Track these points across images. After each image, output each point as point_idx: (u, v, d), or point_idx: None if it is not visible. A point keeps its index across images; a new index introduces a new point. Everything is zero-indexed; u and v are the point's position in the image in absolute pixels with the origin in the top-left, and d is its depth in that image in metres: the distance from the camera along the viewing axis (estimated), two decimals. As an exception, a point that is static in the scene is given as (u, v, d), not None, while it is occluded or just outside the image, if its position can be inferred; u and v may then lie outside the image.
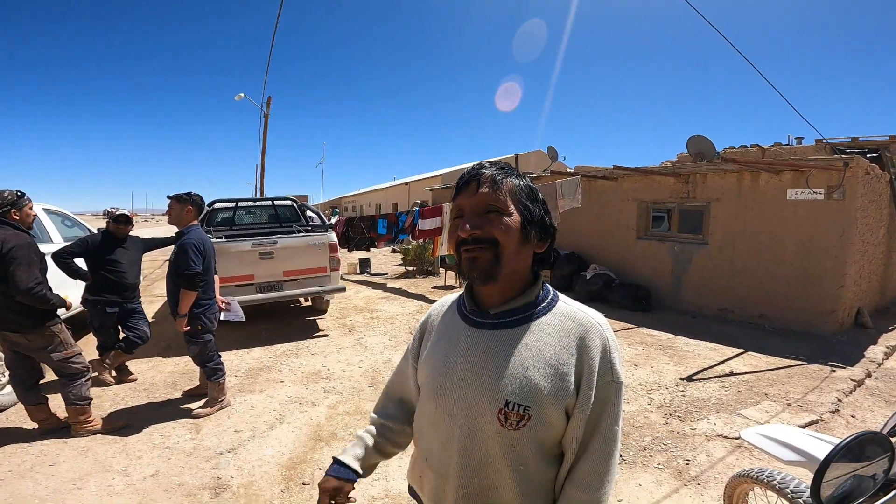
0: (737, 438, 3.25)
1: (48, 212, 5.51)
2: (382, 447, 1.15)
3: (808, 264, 5.94)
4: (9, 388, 3.75)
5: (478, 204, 0.92)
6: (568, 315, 0.93)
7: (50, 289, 3.12)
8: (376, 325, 6.48)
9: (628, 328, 6.23)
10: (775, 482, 1.75)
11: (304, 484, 2.80)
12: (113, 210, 4.39)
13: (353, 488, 1.07)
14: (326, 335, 5.99)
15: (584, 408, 0.86)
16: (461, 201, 0.95)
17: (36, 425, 3.33)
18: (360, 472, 1.09)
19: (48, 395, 3.38)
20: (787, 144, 7.90)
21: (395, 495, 2.70)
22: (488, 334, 0.94)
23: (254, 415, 3.70)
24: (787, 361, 4.88)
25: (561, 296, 1.00)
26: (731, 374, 4.54)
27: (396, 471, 2.93)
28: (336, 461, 1.09)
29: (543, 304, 0.95)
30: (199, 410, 3.67)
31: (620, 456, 3.06)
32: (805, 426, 3.43)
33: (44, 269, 3.17)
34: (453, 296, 1.11)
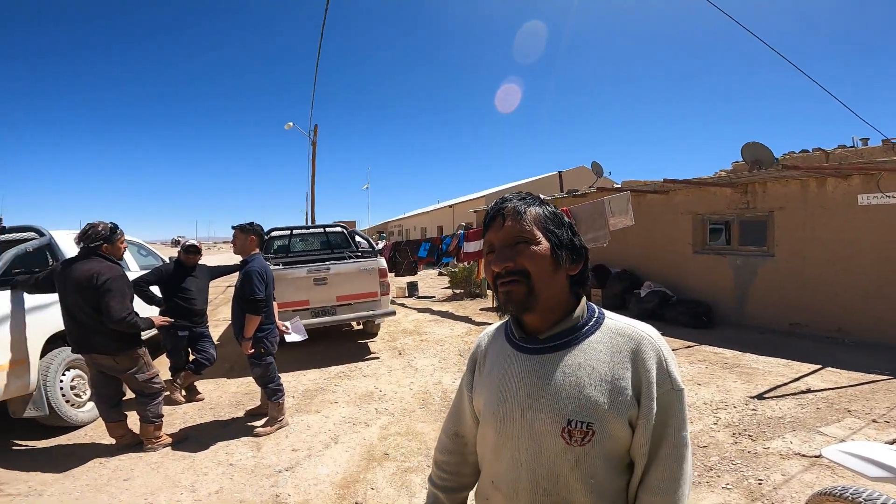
0: (817, 457, 3.00)
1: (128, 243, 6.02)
2: (450, 487, 1.19)
3: (888, 272, 5.46)
4: (89, 406, 4.08)
5: (505, 237, 0.95)
6: (617, 331, 0.95)
7: (138, 315, 3.39)
8: (426, 347, 6.51)
9: (689, 346, 5.93)
10: (861, 499, 1.63)
11: (356, 503, 2.83)
12: (180, 239, 4.76)
13: None
14: (378, 357, 6.09)
15: (648, 418, 0.87)
16: (490, 237, 0.98)
17: (114, 441, 3.58)
18: None
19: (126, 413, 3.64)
20: (852, 146, 7.39)
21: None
22: (540, 359, 0.96)
23: (310, 434, 3.80)
24: (870, 376, 4.47)
25: (607, 313, 1.01)
26: (808, 390, 4.21)
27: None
28: None
29: (590, 324, 0.97)
30: (260, 429, 3.81)
31: (685, 477, 2.91)
32: (892, 442, 3.11)
33: (132, 297, 3.45)
34: (498, 324, 1.14)
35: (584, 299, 1.01)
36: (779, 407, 3.88)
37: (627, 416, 0.88)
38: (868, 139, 7.69)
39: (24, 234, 4.40)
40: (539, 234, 0.95)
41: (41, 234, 4.31)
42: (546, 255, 0.94)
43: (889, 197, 5.39)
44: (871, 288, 5.61)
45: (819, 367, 4.84)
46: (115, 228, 3.45)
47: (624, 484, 0.93)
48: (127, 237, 6.06)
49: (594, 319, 0.98)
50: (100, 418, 4.08)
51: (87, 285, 3.18)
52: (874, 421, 3.51)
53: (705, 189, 7.46)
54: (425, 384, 4.93)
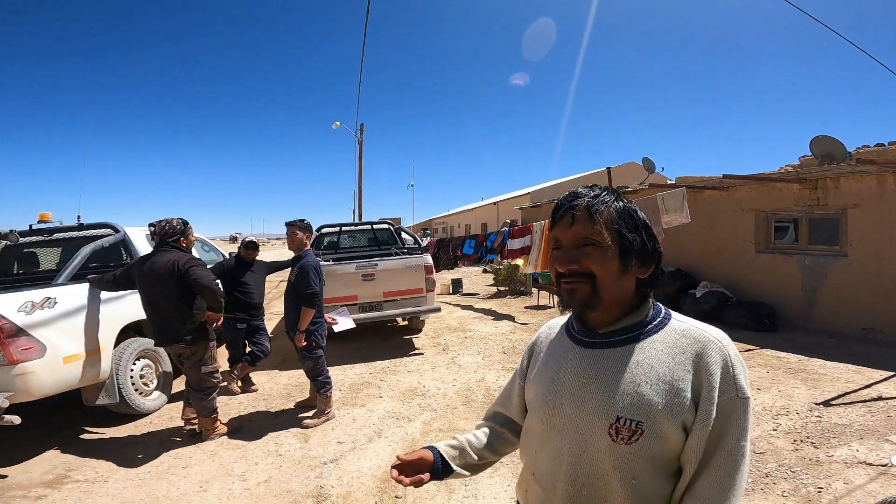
0: (884, 465, 2.77)
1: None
2: (477, 448, 1.17)
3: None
4: (155, 394, 4.38)
5: (573, 237, 0.93)
6: (682, 332, 0.91)
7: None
8: (469, 344, 6.52)
9: (750, 349, 5.60)
10: None
11: (396, 497, 2.89)
12: (238, 235, 5.01)
13: (428, 477, 1.07)
14: (422, 353, 6.15)
15: (705, 423, 0.83)
16: (557, 233, 0.96)
17: (183, 423, 3.82)
18: (449, 462, 1.12)
19: (170, 405, 3.85)
20: (936, 137, 6.68)
21: (488, 514, 2.67)
22: (597, 353, 0.95)
23: (355, 427, 3.90)
24: (951, 387, 4.05)
25: (675, 314, 0.97)
26: (880, 398, 3.88)
27: (486, 489, 2.91)
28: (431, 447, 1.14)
29: (655, 323, 0.94)
30: (308, 421, 3.96)
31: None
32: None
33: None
34: (562, 319, 1.12)
35: (651, 300, 0.98)
36: (846, 414, 3.61)
37: (682, 420, 0.84)
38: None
39: (101, 230, 4.75)
40: (608, 237, 0.92)
41: (116, 230, 4.63)
42: (614, 260, 0.91)
43: (985, 191, 4.85)
44: (961, 292, 5.08)
45: (893, 374, 4.46)
46: (186, 223, 3.75)
47: (668, 492, 0.89)
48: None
49: (659, 319, 0.95)
50: (164, 407, 4.40)
51: (171, 273, 3.43)
52: (954, 434, 3.18)
53: (770, 185, 7.00)
54: (468, 381, 4.93)
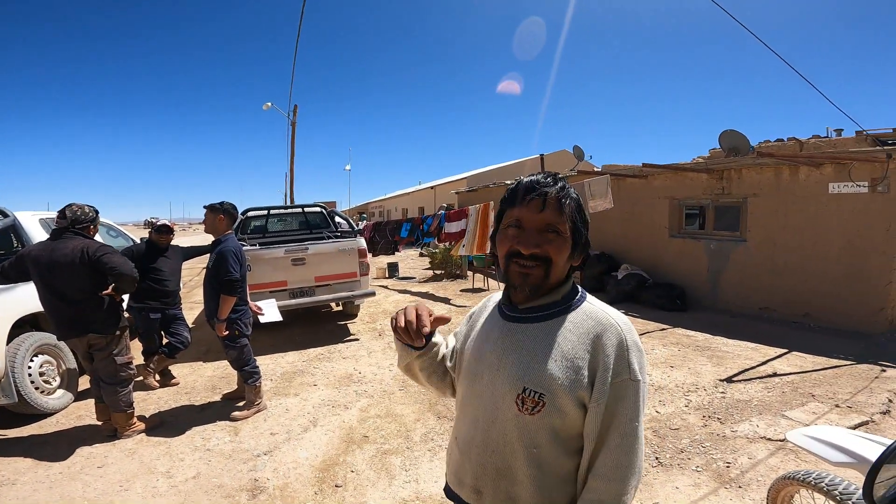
0: (781, 440, 3.12)
1: (96, 224, 5.82)
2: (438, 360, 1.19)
3: (855, 260, 5.66)
4: (59, 392, 3.99)
5: (541, 222, 0.96)
6: (589, 314, 0.98)
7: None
8: (406, 328, 6.52)
9: (663, 329, 6.07)
10: (823, 484, 1.69)
11: (336, 486, 2.85)
12: (154, 220, 4.62)
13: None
14: (357, 339, 6.07)
15: (599, 402, 0.90)
16: (522, 213, 0.98)
17: (100, 423, 3.53)
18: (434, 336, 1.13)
19: (77, 403, 3.57)
20: (826, 137, 7.55)
21: (425, 497, 2.72)
22: (517, 327, 1.01)
23: (289, 418, 3.78)
24: (834, 361, 4.66)
25: (589, 297, 1.04)
26: (775, 374, 4.37)
27: (427, 473, 2.95)
28: None
29: (570, 303, 1.00)
30: (237, 413, 3.78)
31: (657, 458, 3.00)
32: (855, 427, 3.27)
33: None
34: (500, 294, 1.16)
35: (570, 282, 1.04)
36: (746, 390, 4.02)
37: (578, 396, 0.91)
38: (842, 130, 7.87)
39: (-14, 214, 4.21)
40: (568, 229, 0.97)
41: (5, 214, 4.13)
42: (567, 249, 0.98)
43: (859, 186, 5.55)
44: (837, 274, 5.82)
45: (786, 351, 5.02)
46: (97, 211, 3.49)
47: (571, 467, 0.97)
48: (97, 218, 5.87)
49: (575, 300, 1.02)
50: (71, 405, 4.03)
51: (80, 261, 3.16)
52: (837, 406, 3.66)
53: (683, 174, 7.55)
54: (405, 366, 4.94)
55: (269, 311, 4.30)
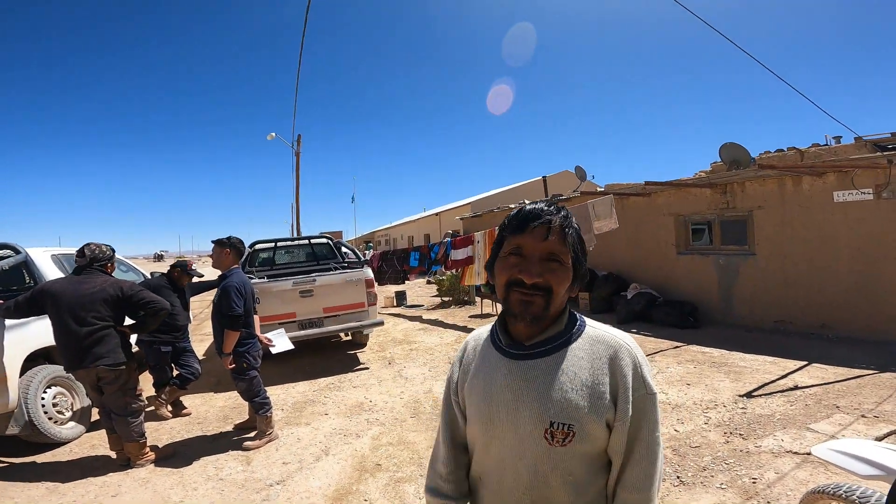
0: (808, 454, 3.03)
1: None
2: (454, 496, 1.15)
3: (866, 268, 5.59)
4: (72, 423, 4.02)
5: (543, 250, 0.96)
6: (597, 339, 0.99)
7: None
8: (415, 356, 6.47)
9: (677, 346, 5.98)
10: (855, 497, 1.64)
11: (352, 514, 2.78)
12: (164, 253, 4.73)
13: None
14: (367, 368, 6.02)
15: (624, 420, 0.93)
16: (524, 241, 0.97)
17: (114, 454, 3.55)
18: None
19: (90, 433, 3.65)
20: (826, 145, 7.57)
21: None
22: (525, 364, 1.00)
23: (301, 447, 3.73)
24: (856, 371, 4.55)
25: (588, 321, 1.05)
26: (796, 387, 4.26)
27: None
28: None
29: (573, 331, 1.01)
30: (249, 443, 3.74)
31: (678, 477, 2.92)
32: (883, 437, 3.16)
33: None
34: (485, 328, 1.15)
35: (567, 310, 1.04)
36: (768, 405, 3.93)
37: (605, 419, 0.94)
38: (840, 137, 7.88)
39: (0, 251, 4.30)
40: (570, 259, 0.97)
41: (17, 251, 4.20)
42: (568, 279, 0.98)
43: (863, 193, 5.54)
44: (850, 283, 5.74)
45: (805, 363, 4.92)
46: (114, 250, 3.71)
47: (603, 483, 0.99)
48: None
49: (576, 327, 1.02)
50: (84, 435, 4.05)
51: (115, 298, 3.36)
52: (863, 416, 3.56)
53: (686, 190, 7.57)
54: (416, 393, 4.88)
55: (280, 341, 4.32)
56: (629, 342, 0.99)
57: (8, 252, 4.26)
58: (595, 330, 1.01)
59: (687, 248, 7.80)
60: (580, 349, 0.98)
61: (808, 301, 6.14)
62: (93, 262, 3.48)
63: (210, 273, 4.43)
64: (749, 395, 4.18)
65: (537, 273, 0.94)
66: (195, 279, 4.83)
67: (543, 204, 1.00)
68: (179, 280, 4.68)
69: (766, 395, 4.16)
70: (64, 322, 3.25)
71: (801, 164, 6.42)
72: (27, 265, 4.22)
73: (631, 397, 0.93)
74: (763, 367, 4.93)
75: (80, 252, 3.49)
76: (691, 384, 4.56)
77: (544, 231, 0.95)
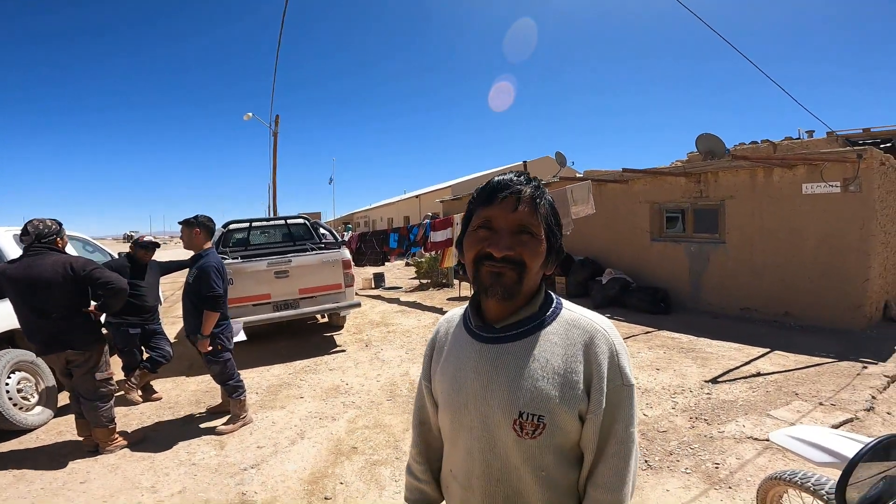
0: (767, 440, 3.16)
1: (70, 238, 5.65)
2: (427, 479, 1.16)
3: (831, 259, 5.82)
4: (38, 409, 3.90)
5: (513, 222, 0.89)
6: (573, 322, 0.93)
7: None
8: (393, 338, 6.48)
9: (648, 332, 6.14)
10: (809, 484, 1.71)
11: (326, 498, 2.81)
12: (133, 233, 4.53)
13: None
14: (344, 350, 6.01)
15: (597, 412, 0.87)
16: (493, 213, 0.90)
17: (82, 440, 3.44)
18: None
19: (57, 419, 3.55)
20: (798, 138, 7.78)
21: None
22: (496, 348, 0.94)
23: (275, 430, 3.72)
24: (816, 359, 4.76)
25: (565, 303, 0.99)
26: (759, 374, 4.44)
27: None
28: None
29: (548, 314, 0.95)
30: (223, 427, 3.71)
31: (646, 461, 3.01)
32: (839, 425, 3.33)
33: None
34: (458, 310, 1.10)
35: (543, 287, 0.98)
36: (731, 391, 4.08)
37: (578, 410, 0.87)
38: (814, 132, 8.12)
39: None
40: (543, 231, 0.91)
41: None
42: (543, 253, 0.91)
43: (831, 186, 5.72)
44: (814, 273, 5.97)
45: (768, 350, 5.12)
46: (60, 223, 3.39)
47: (576, 478, 0.93)
48: (71, 232, 5.74)
49: (552, 309, 0.96)
50: (51, 421, 3.94)
51: (66, 278, 3.12)
52: (821, 404, 3.74)
53: (662, 178, 7.70)
54: (392, 376, 4.91)
55: (234, 330, 4.23)
56: (607, 327, 0.92)
57: None
58: (571, 313, 0.95)
59: (661, 235, 7.96)
60: (554, 333, 0.92)
61: (774, 289, 6.37)
62: (39, 238, 3.20)
63: (182, 254, 4.30)
64: (714, 380, 4.33)
65: (507, 245, 0.88)
66: (155, 253, 4.62)
67: (514, 175, 0.93)
68: (143, 257, 4.48)
69: (730, 381, 4.32)
70: (25, 311, 3.14)
71: (774, 156, 6.58)
72: (-13, 245, 4.03)
73: (605, 388, 0.87)
74: (728, 353, 5.11)
75: (24, 230, 3.22)
76: (661, 369, 4.70)
77: (514, 202, 0.89)
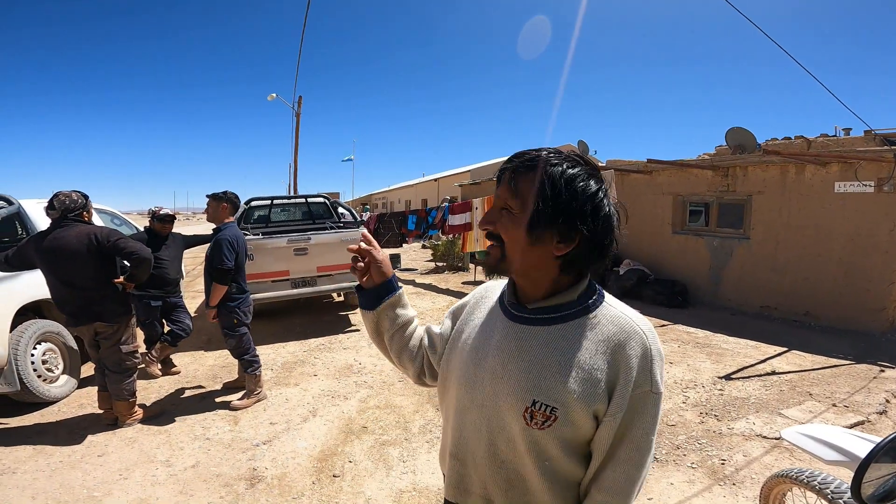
0: (777, 439, 3.14)
1: (98, 211, 5.82)
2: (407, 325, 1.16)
3: (857, 259, 5.64)
4: (62, 380, 4.02)
5: (497, 199, 0.92)
6: (611, 319, 0.88)
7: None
8: (407, 320, 6.54)
9: (664, 325, 6.08)
10: (815, 482, 1.70)
11: (334, 476, 2.88)
12: (157, 209, 4.60)
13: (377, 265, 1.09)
14: (358, 330, 6.10)
15: (615, 415, 0.83)
16: (496, 192, 0.94)
17: (102, 412, 3.55)
18: (396, 286, 1.12)
19: (78, 391, 3.65)
20: (834, 136, 7.49)
21: (422, 488, 2.74)
22: (523, 329, 0.92)
23: (288, 407, 3.82)
24: (833, 361, 4.66)
25: (609, 298, 0.94)
26: (774, 373, 4.37)
27: (424, 465, 2.98)
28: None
29: (586, 305, 0.90)
30: (237, 402, 3.81)
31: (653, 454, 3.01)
32: (851, 427, 3.27)
33: None
34: (500, 283, 1.07)
35: (587, 279, 0.93)
36: (744, 388, 4.03)
37: (594, 409, 0.84)
38: (850, 129, 7.79)
39: (-9, 203, 4.23)
40: (520, 205, 0.87)
41: (9, 202, 4.14)
42: (521, 229, 0.86)
43: (865, 186, 5.51)
44: (838, 274, 5.80)
45: (785, 349, 5.02)
46: (87, 196, 3.42)
47: (582, 474, 0.91)
48: (98, 206, 5.89)
49: (592, 301, 0.91)
50: (73, 393, 4.06)
51: (90, 249, 3.15)
52: (834, 405, 3.67)
53: (688, 171, 7.51)
54: (405, 358, 4.96)
55: None
56: (646, 330, 0.87)
57: (0, 203, 4.19)
58: (613, 309, 0.90)
59: (682, 228, 7.80)
60: (588, 326, 0.88)
61: (795, 288, 6.21)
62: (66, 213, 3.22)
63: (204, 228, 4.37)
64: (728, 377, 4.28)
65: (486, 221, 0.92)
66: (173, 226, 4.68)
67: (524, 150, 0.91)
68: (161, 230, 4.53)
69: (743, 378, 4.26)
70: (54, 282, 3.22)
71: (807, 152, 6.35)
72: (20, 217, 4.15)
73: (630, 391, 0.83)
74: (744, 350, 5.03)
75: (50, 204, 3.23)
76: (674, 363, 4.66)
77: (499, 181, 0.92)
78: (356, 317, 6.79)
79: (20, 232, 4.29)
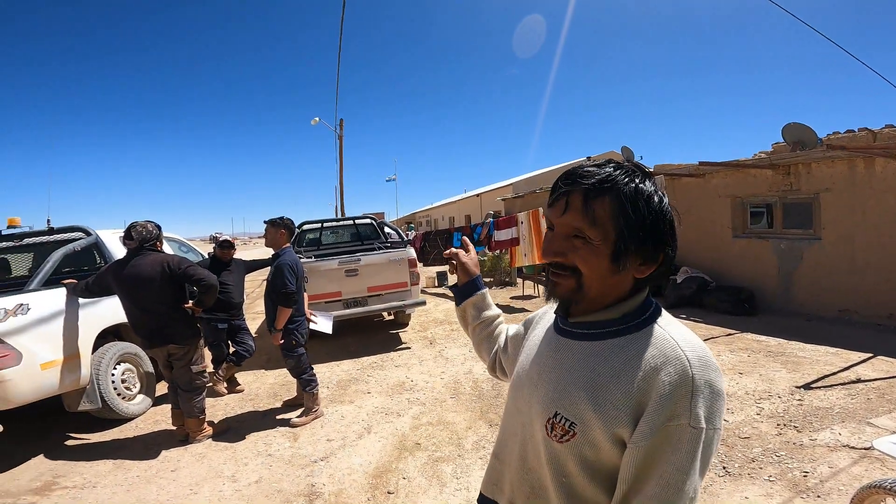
0: (867, 449, 2.86)
1: (167, 239, 6.25)
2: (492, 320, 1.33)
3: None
4: (139, 398, 4.30)
5: (564, 226, 0.83)
6: (654, 341, 0.80)
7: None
8: (456, 337, 6.53)
9: (730, 334, 5.72)
10: None
11: (388, 493, 2.88)
12: (217, 235, 4.90)
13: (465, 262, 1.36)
14: (409, 348, 6.15)
15: (638, 443, 0.74)
16: (550, 216, 0.87)
17: (175, 429, 3.78)
18: (480, 285, 1.35)
19: (154, 408, 3.87)
20: (901, 125, 6.90)
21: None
22: (562, 341, 0.91)
23: (344, 424, 3.88)
24: (927, 367, 4.20)
25: (663, 318, 0.85)
26: (859, 380, 4.00)
27: (477, 482, 2.92)
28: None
29: (633, 323, 0.84)
30: (296, 420, 3.92)
31: (724, 468, 2.82)
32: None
33: None
34: None
35: (643, 294, 0.87)
36: (827, 397, 3.71)
37: (614, 432, 0.77)
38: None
39: (72, 234, 4.61)
40: (600, 234, 0.79)
41: (88, 233, 4.51)
42: (603, 259, 0.80)
43: (949, 173, 5.02)
44: (928, 271, 5.27)
45: (870, 355, 4.59)
46: (160, 227, 3.73)
47: (603, 500, 0.83)
48: (167, 234, 6.33)
49: (641, 320, 0.84)
50: (149, 411, 4.33)
51: (164, 276, 3.42)
52: (930, 413, 3.31)
53: (744, 171, 7.14)
54: (456, 374, 4.94)
55: (323, 321, 4.45)
56: (693, 358, 0.75)
57: (79, 234, 4.56)
58: (660, 330, 0.81)
59: (744, 232, 7.38)
60: (626, 344, 0.81)
61: (876, 289, 5.69)
62: (143, 242, 3.48)
63: (261, 252, 4.61)
64: (807, 386, 3.96)
65: (552, 251, 0.84)
66: (235, 251, 4.97)
67: (582, 167, 0.83)
68: (223, 256, 4.83)
69: (825, 387, 3.93)
70: (131, 307, 3.49)
71: (874, 144, 5.87)
72: (97, 247, 4.53)
73: (660, 422, 0.73)
74: (824, 357, 4.64)
75: (128, 235, 3.48)
76: (744, 373, 4.37)
77: (563, 204, 0.82)
78: (406, 335, 6.86)
79: (98, 261, 4.65)
